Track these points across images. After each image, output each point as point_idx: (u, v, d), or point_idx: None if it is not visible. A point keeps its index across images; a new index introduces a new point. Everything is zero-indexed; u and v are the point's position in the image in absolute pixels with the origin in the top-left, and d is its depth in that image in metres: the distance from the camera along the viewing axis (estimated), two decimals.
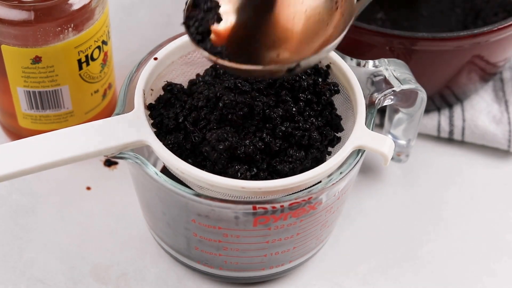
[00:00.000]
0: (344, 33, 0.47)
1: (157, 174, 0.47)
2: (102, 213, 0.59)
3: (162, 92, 0.52)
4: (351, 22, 0.47)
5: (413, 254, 0.58)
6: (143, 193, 0.52)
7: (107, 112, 0.62)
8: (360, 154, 0.49)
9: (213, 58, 0.45)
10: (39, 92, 0.57)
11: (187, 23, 0.47)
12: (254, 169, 0.48)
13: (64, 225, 0.58)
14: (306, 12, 0.49)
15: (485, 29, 0.58)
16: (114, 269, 0.56)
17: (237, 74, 0.47)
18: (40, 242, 0.57)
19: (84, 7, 0.54)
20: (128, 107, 0.50)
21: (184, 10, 0.48)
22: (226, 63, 0.45)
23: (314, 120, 0.50)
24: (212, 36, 0.47)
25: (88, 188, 0.61)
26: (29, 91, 0.57)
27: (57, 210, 0.59)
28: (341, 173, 0.48)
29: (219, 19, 0.48)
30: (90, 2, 0.54)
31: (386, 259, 0.57)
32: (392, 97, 0.53)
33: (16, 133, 0.61)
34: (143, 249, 0.57)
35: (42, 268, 0.56)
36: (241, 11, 0.49)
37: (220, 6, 0.48)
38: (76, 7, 0.54)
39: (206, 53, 0.46)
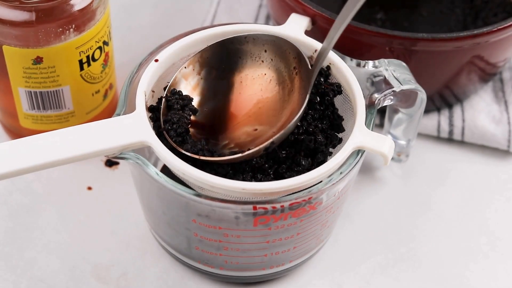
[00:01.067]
0: (307, 99, 0.49)
1: (158, 175, 0.47)
2: (103, 213, 0.59)
3: (163, 93, 0.52)
4: (311, 87, 0.50)
5: (413, 253, 0.58)
6: (144, 193, 0.52)
7: (108, 112, 0.63)
8: (360, 154, 0.49)
9: (196, 156, 0.48)
10: (40, 93, 0.57)
11: (165, 127, 0.50)
12: (258, 175, 0.48)
13: (65, 225, 0.58)
14: (270, 82, 0.52)
15: (484, 29, 0.58)
16: (115, 269, 0.56)
17: (220, 163, 0.49)
18: (41, 241, 0.57)
19: (85, 8, 0.54)
20: (129, 107, 0.50)
21: (160, 116, 0.51)
22: (208, 158, 0.48)
23: (318, 123, 0.50)
24: (191, 131, 0.51)
25: (89, 188, 0.61)
26: (31, 92, 0.57)
27: (58, 210, 0.59)
28: (341, 173, 0.48)
29: (195, 111, 0.52)
30: (91, 3, 0.55)
31: (386, 259, 0.58)
32: (392, 97, 0.53)
33: (17, 133, 0.61)
34: (144, 248, 0.57)
35: (43, 268, 0.56)
36: (213, 99, 0.53)
37: (192, 99, 0.52)
38: (77, 7, 0.54)
39: (188, 153, 0.48)
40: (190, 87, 0.53)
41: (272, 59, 0.52)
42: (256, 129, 0.51)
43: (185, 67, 0.52)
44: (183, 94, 0.52)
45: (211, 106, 0.53)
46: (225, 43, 0.53)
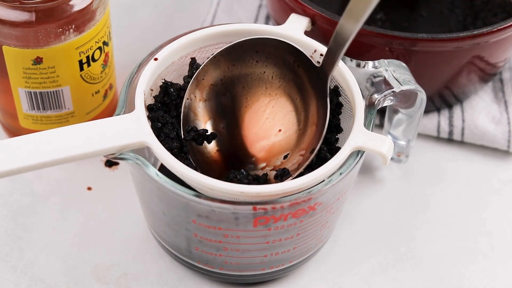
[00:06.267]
0: (328, 102, 0.50)
1: (158, 175, 0.47)
2: (102, 213, 0.59)
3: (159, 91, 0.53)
4: (328, 86, 0.50)
5: (412, 253, 0.58)
6: (143, 193, 0.52)
7: (108, 112, 0.63)
8: (359, 155, 0.49)
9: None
10: (40, 93, 0.57)
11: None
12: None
13: (65, 225, 0.58)
14: (273, 78, 0.53)
15: (484, 30, 0.58)
16: (114, 269, 0.56)
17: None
18: (41, 242, 0.57)
19: (85, 8, 0.54)
20: (128, 108, 0.50)
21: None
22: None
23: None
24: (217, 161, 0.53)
25: (89, 189, 0.61)
26: (30, 92, 0.57)
27: (58, 210, 0.59)
28: (340, 174, 0.48)
29: (214, 136, 0.53)
30: (91, 3, 0.55)
31: (386, 259, 0.58)
32: (392, 97, 0.53)
33: (17, 133, 0.61)
34: (144, 249, 0.57)
35: (43, 268, 0.56)
36: (225, 116, 0.54)
37: (207, 130, 0.53)
38: (77, 8, 0.54)
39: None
40: (200, 115, 0.53)
41: (266, 57, 0.53)
42: (280, 130, 0.52)
43: (187, 99, 0.53)
44: (198, 129, 0.52)
45: (226, 124, 0.53)
46: (214, 60, 0.53)
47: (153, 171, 0.47)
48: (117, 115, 0.49)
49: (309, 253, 0.54)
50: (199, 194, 0.47)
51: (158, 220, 0.52)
